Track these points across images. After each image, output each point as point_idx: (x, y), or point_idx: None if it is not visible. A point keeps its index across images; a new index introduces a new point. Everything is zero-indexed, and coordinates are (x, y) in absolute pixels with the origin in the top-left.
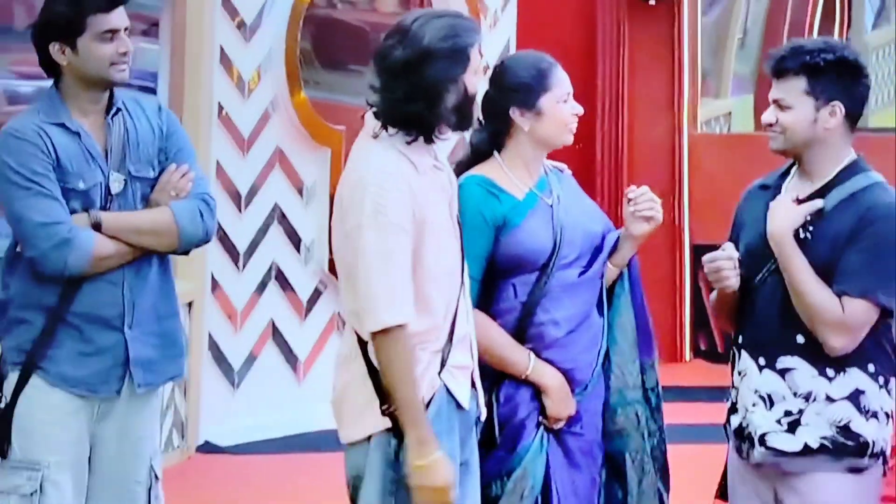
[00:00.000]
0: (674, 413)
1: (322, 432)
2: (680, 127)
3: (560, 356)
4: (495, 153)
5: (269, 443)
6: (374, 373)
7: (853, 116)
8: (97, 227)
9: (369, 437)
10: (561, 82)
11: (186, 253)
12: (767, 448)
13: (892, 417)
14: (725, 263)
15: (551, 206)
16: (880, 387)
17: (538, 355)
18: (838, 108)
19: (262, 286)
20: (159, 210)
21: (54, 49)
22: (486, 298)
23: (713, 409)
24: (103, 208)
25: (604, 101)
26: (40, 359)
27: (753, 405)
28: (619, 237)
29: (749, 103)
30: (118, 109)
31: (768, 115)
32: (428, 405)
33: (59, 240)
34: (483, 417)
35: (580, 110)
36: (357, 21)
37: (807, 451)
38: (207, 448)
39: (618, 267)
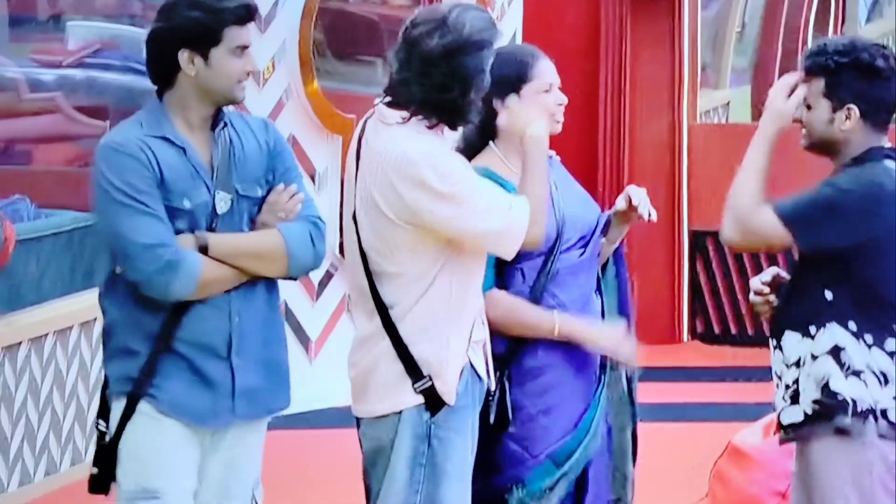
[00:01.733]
0: (672, 392)
1: (333, 409)
2: (680, 117)
3: (570, 346)
4: (491, 144)
5: (281, 419)
6: (402, 351)
7: (874, 118)
8: (203, 249)
9: (399, 412)
10: (543, 73)
11: (295, 279)
12: (782, 427)
13: (885, 380)
14: (755, 298)
15: (550, 192)
16: (868, 346)
17: (545, 344)
18: (853, 111)
19: None
20: (268, 233)
21: (183, 56)
22: (497, 284)
23: (709, 388)
24: (209, 229)
25: (606, 92)
26: (149, 387)
27: (776, 388)
28: (609, 217)
29: (746, 94)
30: (224, 124)
31: (798, 112)
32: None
33: (163, 263)
34: (493, 390)
35: (564, 100)
36: (368, 13)
37: (806, 419)
38: None
39: (612, 244)
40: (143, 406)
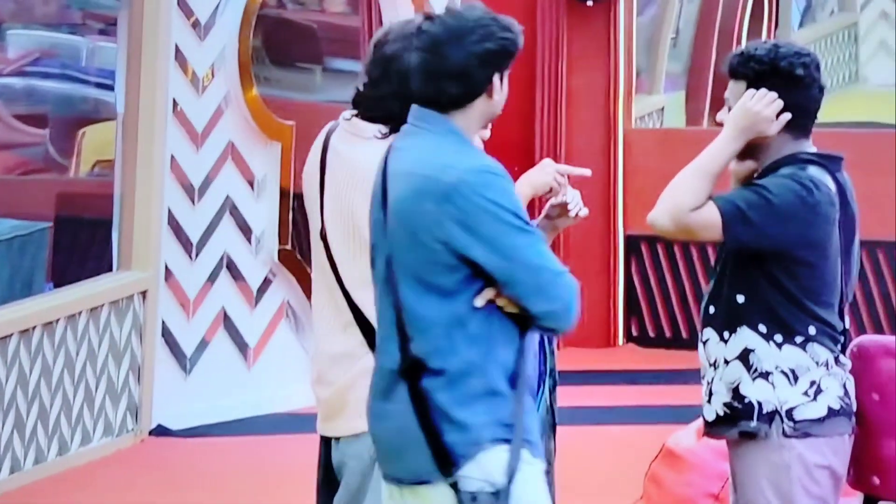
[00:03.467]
0: (607, 395)
1: (272, 415)
2: (615, 122)
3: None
4: None
5: (219, 426)
6: None
7: (795, 123)
8: None
9: None
10: None
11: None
12: (704, 422)
13: (795, 378)
14: None
15: None
16: (778, 345)
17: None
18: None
19: (213, 275)
20: None
21: (497, 79)
22: None
23: (644, 391)
24: None
25: (543, 96)
26: (522, 430)
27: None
28: (537, 225)
29: (681, 99)
30: None
31: (720, 114)
32: None
33: (575, 289)
34: None
35: None
36: (307, 21)
37: (717, 419)
38: (160, 431)
39: None
40: (524, 453)
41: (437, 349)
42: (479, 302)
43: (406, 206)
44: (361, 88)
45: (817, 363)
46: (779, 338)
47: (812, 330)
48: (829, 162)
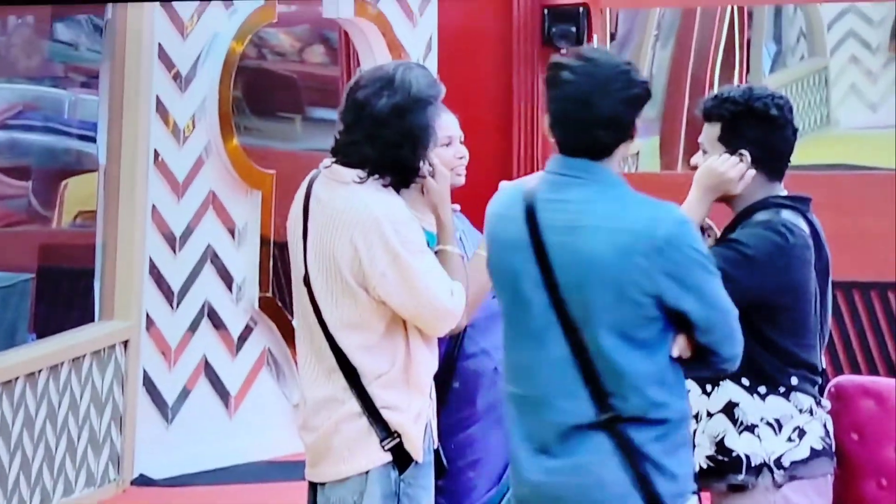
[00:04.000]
0: None
1: (253, 464)
2: None
3: (496, 390)
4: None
5: (202, 475)
6: (370, 411)
7: (768, 164)
8: None
9: (366, 472)
10: (443, 127)
11: None
12: None
13: (779, 427)
14: None
15: (460, 238)
16: (762, 397)
17: (474, 395)
18: (745, 157)
19: (195, 324)
20: None
21: (636, 122)
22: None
23: None
24: None
25: (519, 143)
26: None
27: None
28: None
29: (655, 144)
30: None
31: (696, 158)
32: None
33: None
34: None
35: (464, 153)
36: (286, 71)
37: (701, 472)
38: (142, 481)
39: None
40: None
41: (654, 403)
42: (676, 352)
43: (611, 262)
44: (338, 136)
45: (801, 410)
46: (762, 389)
47: (794, 380)
48: (800, 203)
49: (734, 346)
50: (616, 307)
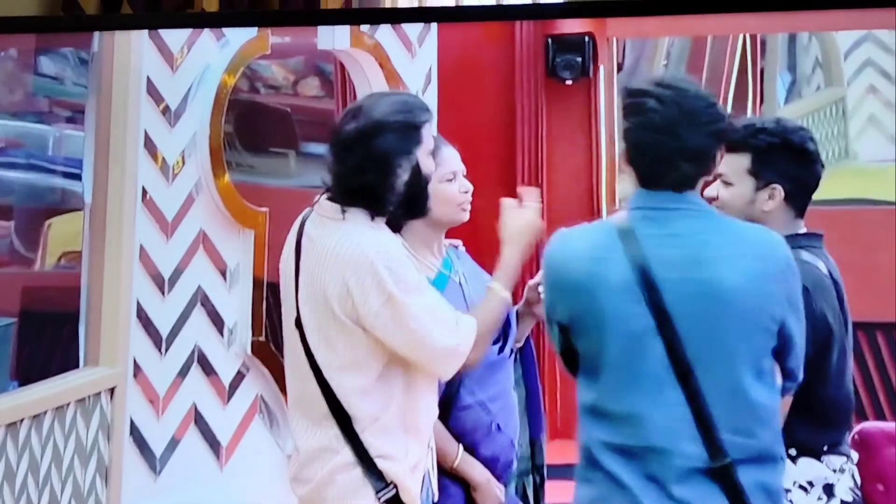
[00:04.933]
0: None
1: None
2: (598, 203)
3: (492, 445)
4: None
5: None
6: (364, 459)
7: (798, 200)
8: None
9: None
10: (445, 161)
11: None
12: None
13: (811, 486)
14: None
15: (460, 283)
16: (793, 459)
17: (473, 450)
18: (778, 191)
19: (184, 370)
20: None
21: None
22: None
23: None
24: None
25: (522, 178)
26: None
27: None
28: (515, 312)
29: None
30: None
31: (711, 190)
32: None
33: None
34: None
35: (469, 187)
36: (280, 105)
37: None
38: None
39: (517, 343)
40: None
41: (777, 437)
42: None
43: (745, 290)
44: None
45: (833, 471)
46: (793, 451)
47: (824, 441)
48: (815, 241)
49: (799, 360)
50: (750, 338)
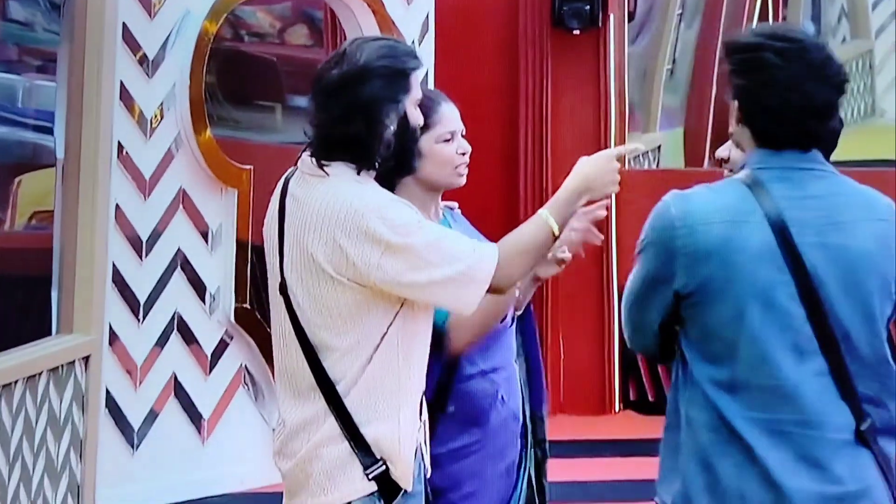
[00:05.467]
0: (603, 469)
1: (227, 496)
2: None
3: (498, 417)
4: (405, 180)
5: None
6: (351, 432)
7: None
8: None
9: (348, 503)
10: (444, 120)
11: None
12: None
13: None
14: None
15: None
16: None
17: (474, 421)
18: None
19: (163, 338)
20: None
21: None
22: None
23: (645, 463)
24: None
25: (527, 136)
26: None
27: None
28: None
29: (679, 137)
30: None
31: (723, 150)
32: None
33: None
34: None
35: (467, 148)
36: (266, 54)
37: None
38: None
39: (518, 310)
40: None
41: None
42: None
43: (878, 255)
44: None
45: None
46: None
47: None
48: None
49: None
50: (883, 304)
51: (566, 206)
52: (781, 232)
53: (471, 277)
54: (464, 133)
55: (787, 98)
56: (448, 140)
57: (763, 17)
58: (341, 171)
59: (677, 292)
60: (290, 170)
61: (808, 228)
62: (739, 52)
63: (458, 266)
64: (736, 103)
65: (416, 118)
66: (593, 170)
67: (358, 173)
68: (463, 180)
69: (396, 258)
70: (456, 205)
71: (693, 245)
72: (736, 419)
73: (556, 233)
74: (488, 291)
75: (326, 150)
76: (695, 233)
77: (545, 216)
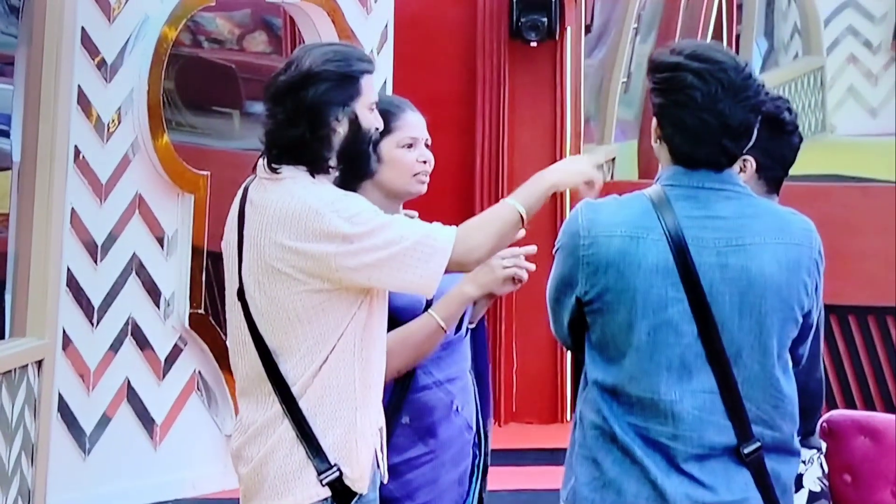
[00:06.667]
0: (558, 477)
1: (179, 501)
2: None
3: (451, 428)
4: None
5: None
6: (305, 436)
7: (771, 173)
8: None
9: None
10: (406, 126)
11: None
12: None
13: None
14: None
15: None
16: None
17: (428, 431)
18: (749, 163)
19: (117, 343)
20: None
21: None
22: None
23: None
24: None
25: (483, 145)
26: None
27: None
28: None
29: (633, 149)
30: None
31: None
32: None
33: None
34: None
35: (428, 157)
36: (224, 61)
37: None
38: None
39: (471, 324)
40: None
41: (795, 427)
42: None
43: (781, 280)
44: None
45: (803, 462)
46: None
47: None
48: None
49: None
50: (782, 328)
51: (529, 189)
52: (679, 250)
53: (431, 247)
54: (429, 143)
55: (702, 118)
56: (409, 146)
57: (717, 32)
58: (296, 174)
59: (579, 298)
60: (249, 178)
61: (708, 248)
62: (660, 70)
63: (416, 237)
64: (655, 121)
65: (370, 121)
66: (564, 162)
67: (312, 176)
68: (423, 188)
69: (356, 244)
70: (416, 214)
71: (594, 255)
72: (616, 423)
73: (522, 212)
74: (452, 268)
75: (276, 155)
76: (596, 244)
77: (510, 201)
